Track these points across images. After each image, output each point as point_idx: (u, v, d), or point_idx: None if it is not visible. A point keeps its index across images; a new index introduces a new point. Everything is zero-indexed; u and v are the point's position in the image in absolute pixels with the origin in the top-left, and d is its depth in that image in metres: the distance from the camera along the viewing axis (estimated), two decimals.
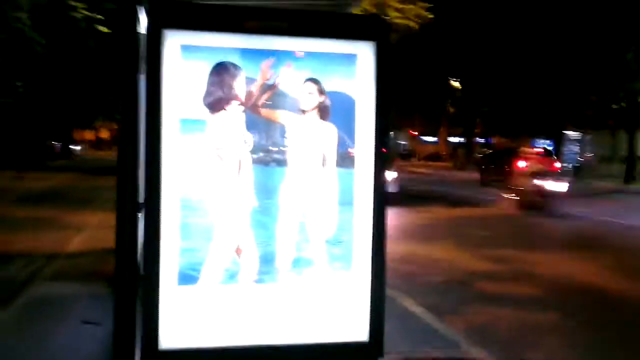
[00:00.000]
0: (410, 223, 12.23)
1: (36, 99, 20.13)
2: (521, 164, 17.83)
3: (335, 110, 3.20)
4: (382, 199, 3.25)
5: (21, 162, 22.20)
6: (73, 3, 10.02)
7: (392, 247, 8.75)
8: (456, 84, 41.01)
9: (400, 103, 36.62)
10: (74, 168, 27.91)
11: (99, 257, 6.99)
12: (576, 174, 28.04)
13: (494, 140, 41.30)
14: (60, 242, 8.41)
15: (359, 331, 3.26)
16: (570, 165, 29.81)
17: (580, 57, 25.34)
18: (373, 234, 3.24)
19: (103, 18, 10.14)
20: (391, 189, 12.16)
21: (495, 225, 12.28)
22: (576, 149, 33.97)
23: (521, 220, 13.53)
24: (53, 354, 4.17)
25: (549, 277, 7.62)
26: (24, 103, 18.19)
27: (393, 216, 12.75)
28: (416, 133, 59.97)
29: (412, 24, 13.36)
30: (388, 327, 3.35)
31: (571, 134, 33.09)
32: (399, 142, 57.93)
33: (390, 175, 12.04)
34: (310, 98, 3.16)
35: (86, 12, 10.05)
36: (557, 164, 21.25)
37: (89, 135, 62.59)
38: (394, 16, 12.08)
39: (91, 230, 9.42)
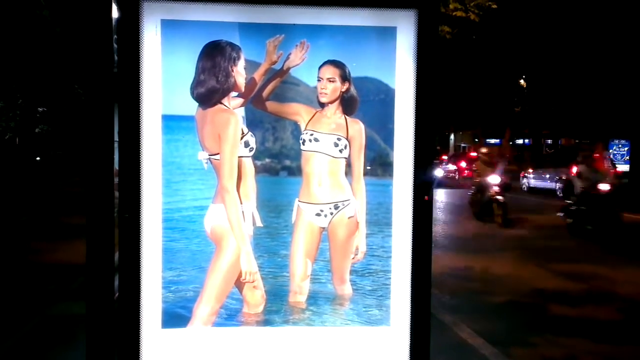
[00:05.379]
0: (465, 232, 11.24)
1: None
2: (574, 169, 16.08)
3: (365, 102, 2.47)
4: (428, 220, 2.49)
5: None
6: None
7: (445, 261, 8.15)
8: (522, 82, 38.90)
9: (460, 102, 35.08)
10: None
11: None
12: None
13: (562, 142, 38.91)
14: None
15: None
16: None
17: None
18: (414, 264, 2.49)
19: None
20: None
21: (565, 236, 11.09)
22: None
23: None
24: None
25: (634, 297, 6.56)
26: None
27: (446, 225, 11.78)
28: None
29: (472, 16, 12.26)
30: None
31: None
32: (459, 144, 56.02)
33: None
34: (331, 87, 2.44)
35: None
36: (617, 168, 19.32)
37: None
38: (453, 7, 11.14)
39: None
